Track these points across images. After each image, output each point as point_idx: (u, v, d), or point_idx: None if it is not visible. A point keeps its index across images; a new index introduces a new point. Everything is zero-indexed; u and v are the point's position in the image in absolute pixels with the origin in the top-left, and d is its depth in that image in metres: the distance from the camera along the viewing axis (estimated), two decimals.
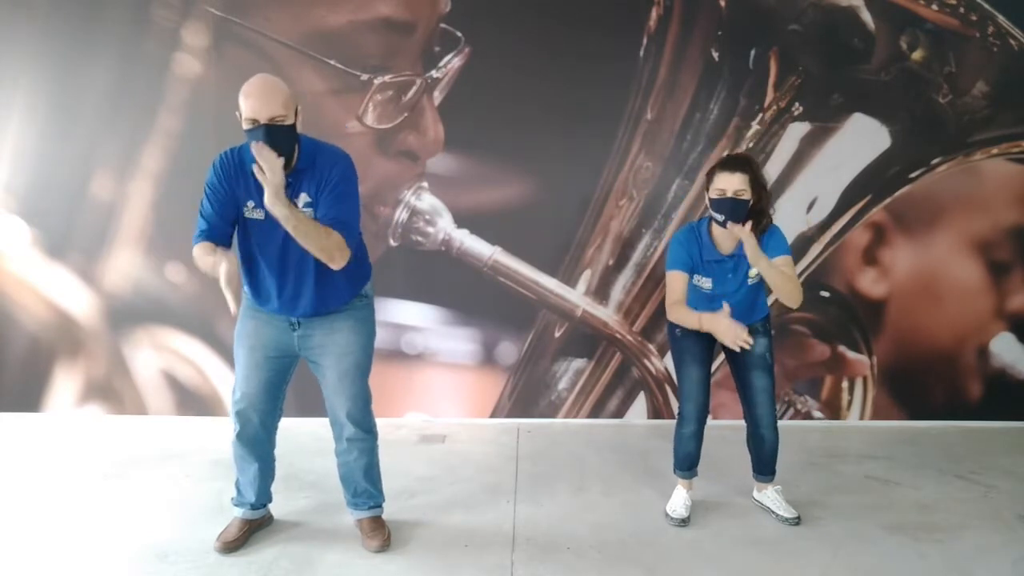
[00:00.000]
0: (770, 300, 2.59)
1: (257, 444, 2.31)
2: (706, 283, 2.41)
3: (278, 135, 1.99)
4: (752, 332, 2.40)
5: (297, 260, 2.13)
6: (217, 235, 2.11)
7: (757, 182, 2.31)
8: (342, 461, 2.35)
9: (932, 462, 3.08)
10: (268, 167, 1.90)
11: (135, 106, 3.29)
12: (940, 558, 2.30)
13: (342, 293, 2.22)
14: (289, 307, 2.18)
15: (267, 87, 2.02)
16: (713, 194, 2.32)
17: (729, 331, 2.26)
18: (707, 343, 2.46)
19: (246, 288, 2.23)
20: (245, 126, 2.02)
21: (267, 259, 2.15)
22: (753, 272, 2.38)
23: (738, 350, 2.29)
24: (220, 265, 1.96)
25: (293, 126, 2.05)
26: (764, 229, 2.37)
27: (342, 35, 3.24)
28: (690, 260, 2.40)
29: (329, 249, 2.03)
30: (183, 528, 2.43)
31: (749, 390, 2.49)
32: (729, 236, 2.36)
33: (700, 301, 2.44)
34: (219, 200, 2.12)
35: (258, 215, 2.11)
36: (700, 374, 2.46)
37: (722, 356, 2.61)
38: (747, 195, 2.28)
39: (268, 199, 1.91)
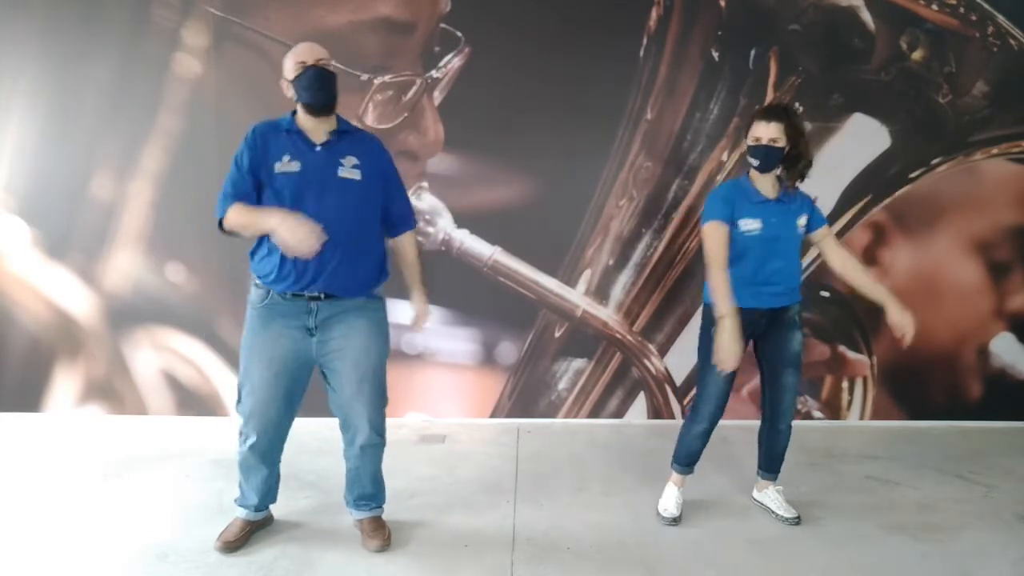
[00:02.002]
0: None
1: (268, 454, 2.29)
2: (754, 224, 2.36)
3: (326, 77, 2.09)
4: (790, 326, 2.46)
5: (333, 218, 2.09)
6: (245, 198, 2.11)
7: (794, 130, 2.35)
8: (352, 466, 2.33)
9: (932, 462, 3.08)
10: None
11: (135, 106, 3.29)
12: (940, 558, 2.31)
13: (364, 276, 2.21)
14: (314, 277, 2.12)
15: (313, 44, 2.14)
16: (749, 141, 2.37)
17: (725, 349, 2.28)
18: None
19: (263, 276, 2.15)
20: (295, 72, 2.08)
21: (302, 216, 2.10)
22: (801, 222, 2.40)
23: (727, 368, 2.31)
24: (268, 217, 2.01)
25: (335, 74, 2.13)
26: (802, 173, 2.40)
27: (342, 35, 3.24)
28: (728, 209, 2.38)
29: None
30: (183, 528, 2.43)
31: (778, 387, 2.49)
32: (767, 181, 2.40)
33: (753, 248, 2.38)
34: (252, 158, 2.11)
35: (293, 167, 2.10)
36: (725, 383, 2.44)
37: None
38: (781, 143, 2.33)
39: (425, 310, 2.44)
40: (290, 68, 2.10)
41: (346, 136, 2.18)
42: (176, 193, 3.32)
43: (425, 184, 3.33)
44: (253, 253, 2.19)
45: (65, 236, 3.37)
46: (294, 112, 2.17)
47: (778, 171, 2.40)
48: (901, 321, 2.34)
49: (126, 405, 3.48)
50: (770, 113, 2.36)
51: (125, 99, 3.29)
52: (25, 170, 3.33)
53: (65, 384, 3.47)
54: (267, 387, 2.19)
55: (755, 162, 2.36)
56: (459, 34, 3.26)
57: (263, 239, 2.14)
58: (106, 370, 3.45)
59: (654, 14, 3.28)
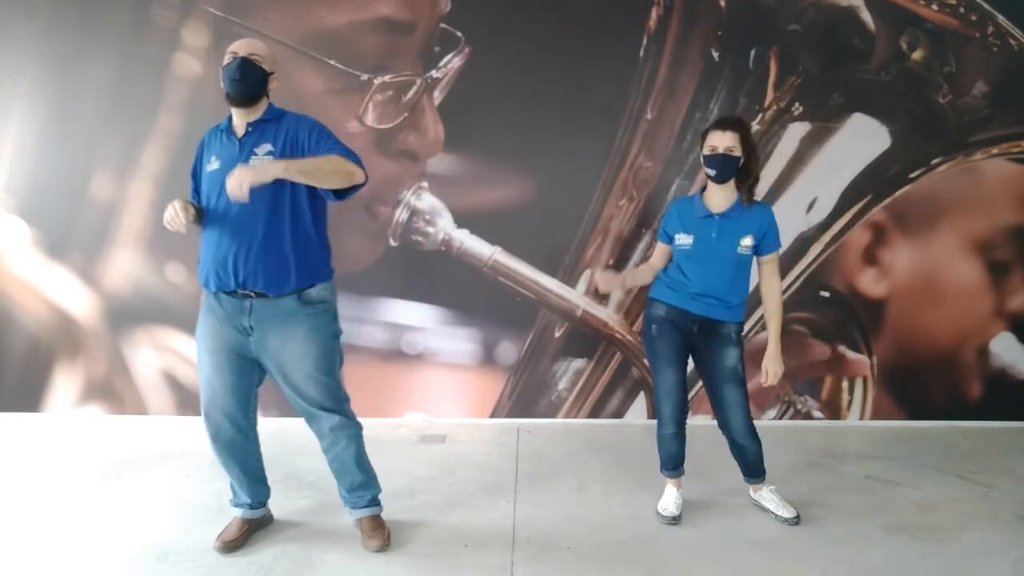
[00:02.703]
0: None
1: (233, 447, 2.26)
2: (687, 239, 2.43)
3: (251, 68, 2.11)
4: (724, 341, 2.46)
5: (246, 210, 2.07)
6: (194, 200, 2.25)
7: (748, 143, 2.39)
8: (332, 455, 2.31)
9: (932, 462, 3.08)
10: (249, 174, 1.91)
11: (135, 106, 3.29)
12: (940, 558, 2.30)
13: (292, 269, 2.13)
14: (233, 273, 2.11)
15: (254, 40, 2.19)
16: (706, 151, 2.40)
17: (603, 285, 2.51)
18: (680, 346, 2.48)
19: (201, 272, 2.20)
20: (224, 62, 2.11)
21: (221, 216, 2.12)
22: (745, 243, 2.40)
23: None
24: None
25: (266, 73, 2.14)
26: (751, 189, 2.42)
27: (342, 35, 3.24)
28: (664, 232, 2.51)
29: (338, 169, 2.03)
30: (183, 528, 2.43)
31: (722, 404, 2.49)
32: (720, 195, 2.41)
33: (686, 262, 2.45)
34: (193, 167, 2.26)
35: (215, 166, 2.15)
36: (676, 377, 2.47)
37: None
38: (737, 152, 2.36)
39: (256, 175, 1.89)
40: (225, 58, 2.13)
41: (267, 124, 2.15)
42: (176, 193, 3.24)
43: (425, 184, 3.33)
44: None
45: (65, 236, 3.37)
46: None
47: (732, 183, 2.41)
48: (771, 368, 2.47)
49: (126, 405, 3.48)
50: (725, 123, 2.40)
51: (125, 99, 3.29)
52: (25, 170, 3.33)
53: (65, 384, 3.47)
54: (212, 377, 2.19)
55: (712, 172, 2.38)
56: (459, 34, 3.26)
57: (205, 228, 2.20)
58: (106, 370, 3.45)
59: (654, 14, 3.29)
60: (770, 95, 3.32)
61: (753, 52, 3.29)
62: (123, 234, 3.37)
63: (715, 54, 3.30)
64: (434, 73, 3.28)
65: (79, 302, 3.41)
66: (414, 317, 3.43)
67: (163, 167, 3.32)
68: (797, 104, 3.31)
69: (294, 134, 2.14)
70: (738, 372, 2.46)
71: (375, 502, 2.39)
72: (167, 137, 3.30)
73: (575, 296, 3.44)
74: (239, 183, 1.87)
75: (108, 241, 3.37)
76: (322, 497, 2.66)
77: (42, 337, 3.44)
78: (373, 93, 3.26)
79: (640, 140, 3.35)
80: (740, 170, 2.38)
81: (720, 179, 2.38)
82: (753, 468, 2.57)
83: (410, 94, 3.28)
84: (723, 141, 2.35)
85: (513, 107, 3.31)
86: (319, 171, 2.00)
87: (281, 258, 2.13)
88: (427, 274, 3.39)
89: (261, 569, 2.20)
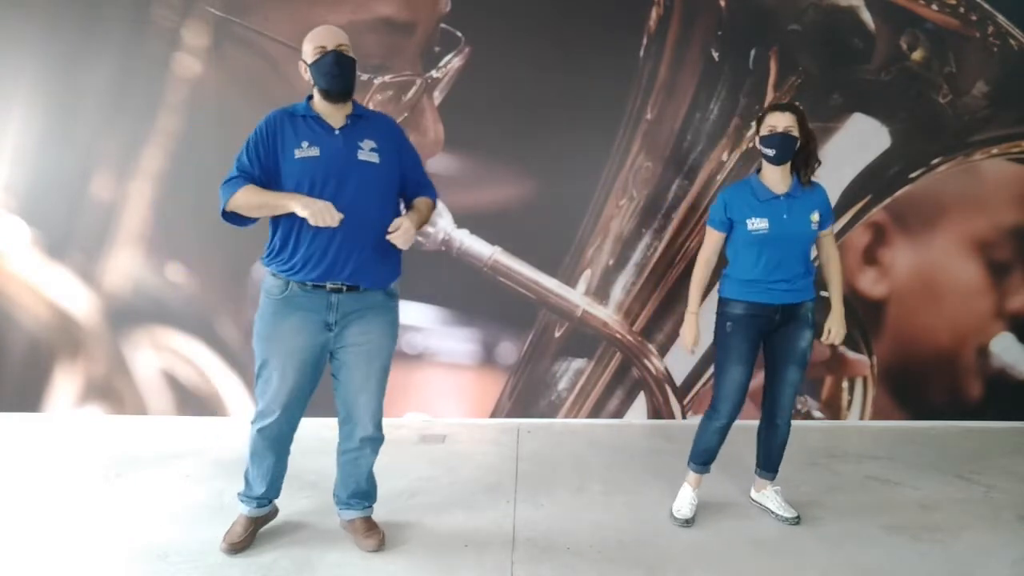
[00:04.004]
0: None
1: (280, 438, 2.28)
2: (762, 223, 2.37)
3: (345, 63, 2.08)
4: (802, 323, 2.45)
5: (356, 203, 2.06)
6: (254, 183, 2.09)
7: (805, 125, 2.40)
8: (349, 459, 2.32)
9: (932, 462, 3.08)
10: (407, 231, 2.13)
11: (135, 106, 3.29)
12: (940, 558, 2.31)
13: (389, 266, 2.19)
14: (342, 264, 2.09)
15: (333, 27, 2.15)
16: (764, 131, 2.38)
17: (687, 337, 2.52)
18: (754, 344, 2.45)
19: (280, 266, 2.12)
20: (313, 57, 2.08)
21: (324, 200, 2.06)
22: (814, 218, 2.41)
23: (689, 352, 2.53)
24: (291, 200, 2.01)
25: (355, 61, 2.13)
26: (813, 171, 2.43)
27: None
28: (724, 217, 2.44)
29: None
30: (183, 528, 2.43)
31: (778, 382, 2.49)
32: (778, 176, 2.40)
33: (761, 248, 2.39)
34: (262, 147, 2.09)
35: (312, 152, 2.08)
36: (742, 377, 2.44)
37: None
38: (795, 132, 2.36)
39: (410, 232, 2.12)
40: (309, 51, 2.09)
41: (362, 120, 2.16)
42: (176, 193, 3.32)
43: None
44: (272, 253, 2.15)
45: (65, 236, 3.37)
46: (309, 97, 2.16)
47: (788, 165, 2.40)
48: (835, 328, 2.55)
49: (126, 405, 3.47)
50: (783, 105, 2.42)
51: (125, 99, 3.29)
52: (25, 170, 3.33)
53: (65, 384, 3.46)
54: (286, 377, 2.17)
55: (770, 152, 2.36)
56: (459, 34, 3.26)
57: (282, 237, 2.12)
58: (106, 370, 3.45)
59: (654, 14, 3.29)
60: (770, 95, 3.32)
61: (753, 52, 3.30)
62: (123, 234, 3.37)
63: (715, 54, 3.30)
64: (434, 73, 3.28)
65: (79, 302, 3.41)
66: (414, 317, 3.43)
67: (163, 167, 3.32)
68: (797, 104, 3.30)
69: (398, 143, 2.22)
70: (806, 355, 2.48)
71: (370, 506, 2.40)
72: (167, 137, 3.30)
73: (575, 296, 3.44)
74: (409, 240, 2.11)
75: (108, 241, 3.37)
76: (323, 497, 2.66)
77: (42, 337, 3.44)
78: (373, 93, 3.26)
79: (640, 140, 3.35)
80: (797, 153, 2.38)
81: (779, 160, 2.36)
82: (774, 460, 2.57)
83: (410, 94, 3.28)
84: (782, 121, 2.35)
85: (513, 107, 3.31)
86: (425, 221, 2.27)
87: (385, 250, 2.14)
88: (427, 274, 3.39)
89: (261, 569, 2.20)
